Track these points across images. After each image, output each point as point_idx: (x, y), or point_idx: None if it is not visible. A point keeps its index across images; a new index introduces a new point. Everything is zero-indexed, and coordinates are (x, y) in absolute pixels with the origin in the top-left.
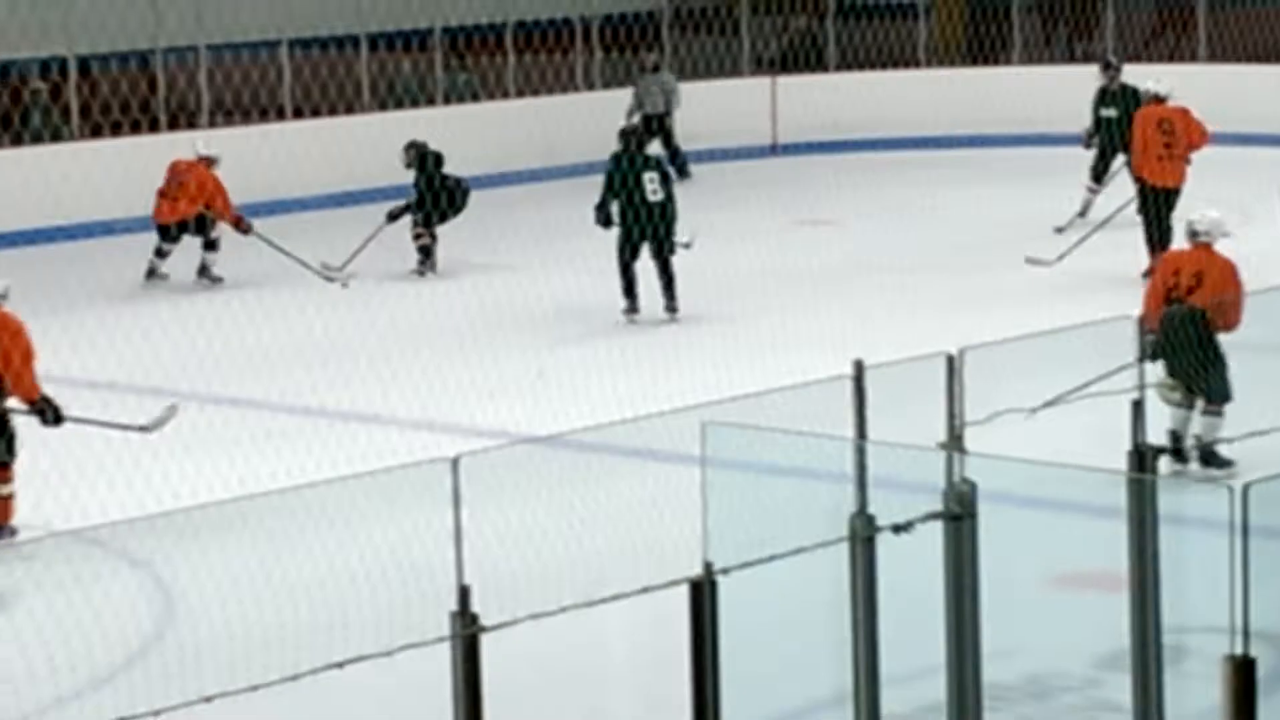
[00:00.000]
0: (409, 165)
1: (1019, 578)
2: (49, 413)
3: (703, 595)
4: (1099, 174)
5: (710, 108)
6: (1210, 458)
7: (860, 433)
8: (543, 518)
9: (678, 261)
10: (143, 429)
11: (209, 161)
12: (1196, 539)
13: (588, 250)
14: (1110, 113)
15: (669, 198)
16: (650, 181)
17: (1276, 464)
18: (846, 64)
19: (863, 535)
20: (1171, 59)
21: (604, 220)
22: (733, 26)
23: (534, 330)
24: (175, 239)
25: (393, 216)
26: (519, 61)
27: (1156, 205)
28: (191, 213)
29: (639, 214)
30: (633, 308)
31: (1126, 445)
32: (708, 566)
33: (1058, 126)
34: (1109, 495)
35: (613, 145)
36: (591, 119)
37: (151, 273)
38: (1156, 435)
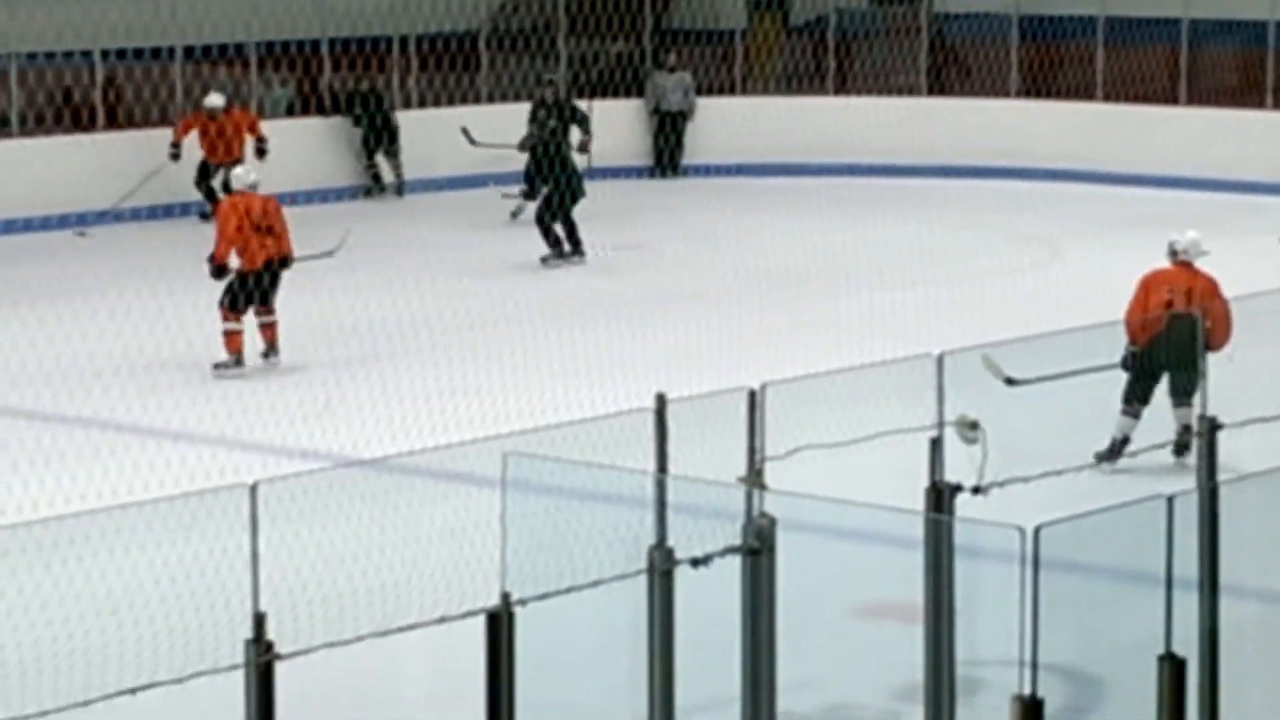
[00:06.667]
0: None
1: (818, 609)
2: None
3: (500, 626)
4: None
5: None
6: (1185, 448)
7: (661, 466)
8: (341, 545)
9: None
10: (328, 254)
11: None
12: (991, 573)
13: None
14: None
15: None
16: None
17: None
18: None
19: (661, 568)
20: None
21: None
22: (551, 49)
23: (332, 352)
24: None
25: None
26: (337, 75)
27: None
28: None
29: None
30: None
31: (924, 482)
32: (505, 597)
33: (873, 158)
34: (907, 527)
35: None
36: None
37: None
38: (954, 473)
